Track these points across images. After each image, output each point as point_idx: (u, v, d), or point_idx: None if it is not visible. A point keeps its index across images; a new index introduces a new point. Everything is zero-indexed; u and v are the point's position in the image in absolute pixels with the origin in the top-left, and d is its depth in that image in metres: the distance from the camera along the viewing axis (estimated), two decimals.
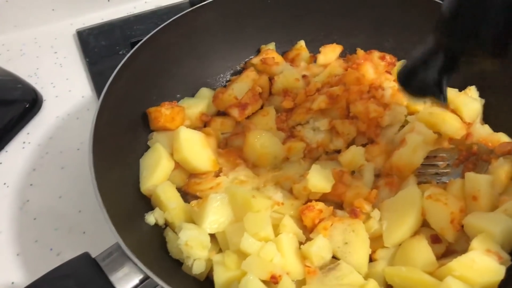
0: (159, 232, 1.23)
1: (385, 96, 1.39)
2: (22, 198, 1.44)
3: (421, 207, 1.16)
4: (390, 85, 1.41)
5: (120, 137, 1.30)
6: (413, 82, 0.97)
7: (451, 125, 1.33)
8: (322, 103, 1.38)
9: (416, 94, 1.00)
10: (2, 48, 1.87)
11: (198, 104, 1.49)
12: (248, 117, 1.45)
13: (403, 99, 1.39)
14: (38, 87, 1.72)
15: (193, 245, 1.11)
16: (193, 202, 1.21)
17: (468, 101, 1.38)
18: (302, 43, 1.64)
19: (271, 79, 1.53)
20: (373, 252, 1.16)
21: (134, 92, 1.37)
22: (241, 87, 1.48)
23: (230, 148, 1.40)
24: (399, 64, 1.55)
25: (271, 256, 1.08)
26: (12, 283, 1.26)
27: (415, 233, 1.16)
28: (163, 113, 1.35)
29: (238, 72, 1.61)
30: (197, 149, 1.32)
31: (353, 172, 1.32)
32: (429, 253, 1.10)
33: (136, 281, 1.00)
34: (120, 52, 1.80)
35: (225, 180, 1.30)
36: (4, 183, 1.47)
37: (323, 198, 1.25)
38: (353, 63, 1.49)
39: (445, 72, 0.91)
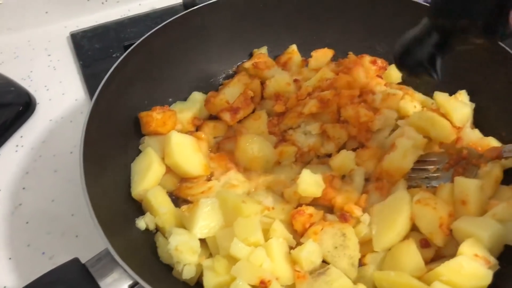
0: (150, 237, 1.23)
1: (376, 101, 1.40)
2: (14, 201, 1.44)
3: (410, 212, 1.17)
4: (381, 89, 1.42)
5: (111, 142, 1.30)
6: (408, 60, 1.02)
7: (441, 129, 1.33)
8: (313, 107, 1.38)
9: (411, 71, 1.05)
10: None
11: (190, 108, 1.49)
12: (240, 121, 1.46)
13: (394, 104, 1.40)
14: (31, 90, 1.72)
15: (183, 250, 1.11)
16: (184, 207, 1.22)
17: (458, 106, 1.38)
18: (294, 47, 1.65)
19: (263, 83, 1.53)
20: (363, 256, 1.17)
21: (126, 96, 1.38)
22: (233, 91, 1.48)
23: (222, 152, 1.41)
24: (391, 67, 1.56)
25: (261, 261, 1.08)
26: (4, 287, 1.27)
27: (405, 238, 1.17)
28: (155, 117, 1.36)
29: (230, 76, 1.62)
30: (189, 153, 1.32)
31: (343, 177, 1.33)
32: (418, 258, 1.11)
33: (125, 286, 1.00)
34: (114, 55, 1.80)
35: (217, 184, 1.31)
36: None
37: (314, 202, 1.26)
38: (345, 67, 1.50)
39: (439, 50, 0.96)
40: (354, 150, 1.36)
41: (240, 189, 1.30)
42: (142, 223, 1.22)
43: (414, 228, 1.18)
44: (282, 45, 1.67)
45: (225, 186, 1.31)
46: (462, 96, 1.44)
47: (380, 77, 1.53)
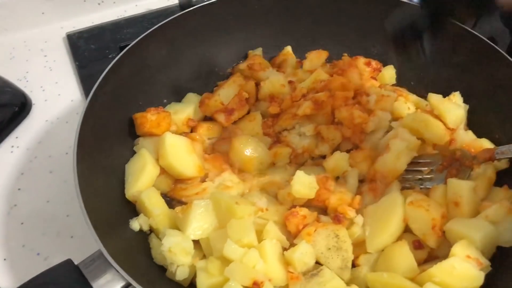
0: (144, 238, 1.24)
1: (370, 102, 1.40)
2: (10, 202, 1.44)
3: (403, 213, 1.17)
4: (375, 91, 1.42)
5: (105, 143, 1.30)
6: (400, 37, 1.12)
7: (435, 131, 1.34)
8: (307, 109, 1.38)
9: (402, 48, 1.14)
10: None
11: (184, 109, 1.49)
12: (234, 123, 1.46)
13: (388, 105, 1.41)
14: (27, 90, 1.72)
15: (176, 252, 1.11)
16: (178, 208, 1.22)
17: (452, 107, 1.38)
18: (289, 48, 1.65)
19: (257, 85, 1.54)
20: (356, 257, 1.18)
21: (121, 97, 1.38)
22: (227, 92, 1.49)
23: (216, 154, 1.41)
24: (385, 69, 1.57)
25: (254, 262, 1.09)
26: None
27: (398, 239, 1.17)
28: (149, 118, 1.36)
29: (225, 77, 1.62)
30: (183, 154, 1.33)
31: (337, 178, 1.33)
32: (410, 259, 1.11)
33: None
34: (110, 56, 1.80)
35: (211, 186, 1.32)
36: None
37: (308, 203, 1.26)
38: (339, 69, 1.50)
39: (430, 29, 1.07)
40: (348, 151, 1.36)
41: (234, 191, 1.31)
42: (136, 224, 1.23)
43: (407, 230, 1.19)
44: (277, 46, 1.67)
45: (219, 188, 1.31)
46: (456, 97, 1.44)
47: (374, 78, 1.54)
